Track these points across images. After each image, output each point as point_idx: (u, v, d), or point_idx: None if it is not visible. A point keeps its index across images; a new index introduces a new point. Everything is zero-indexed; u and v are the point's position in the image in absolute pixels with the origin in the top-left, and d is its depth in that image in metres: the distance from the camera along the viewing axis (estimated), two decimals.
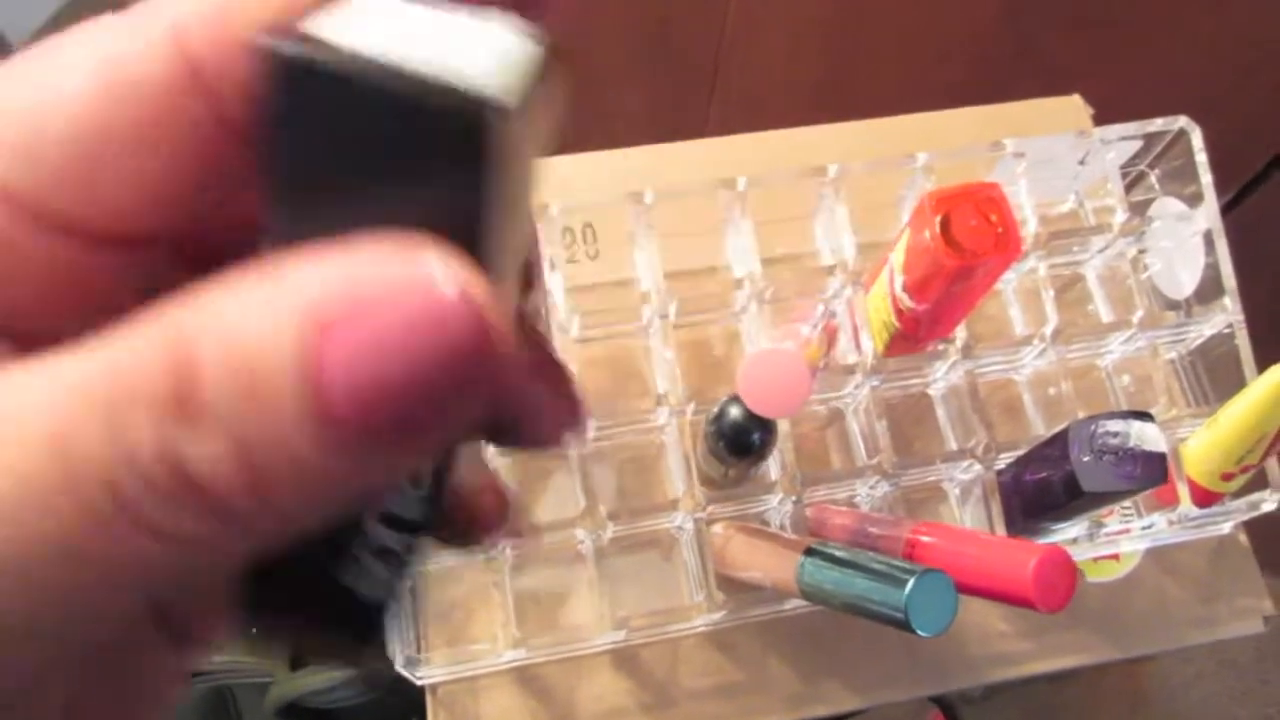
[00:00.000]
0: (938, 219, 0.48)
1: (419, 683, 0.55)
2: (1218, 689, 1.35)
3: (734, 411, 0.49)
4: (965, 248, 0.47)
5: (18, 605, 0.12)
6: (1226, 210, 0.59)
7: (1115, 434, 0.48)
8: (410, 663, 0.52)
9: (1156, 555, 0.62)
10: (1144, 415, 0.48)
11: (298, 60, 0.12)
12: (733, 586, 0.55)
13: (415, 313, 0.11)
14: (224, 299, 0.11)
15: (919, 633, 0.41)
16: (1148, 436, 0.47)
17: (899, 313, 0.53)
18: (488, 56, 0.12)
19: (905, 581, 0.41)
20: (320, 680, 0.91)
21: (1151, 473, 0.47)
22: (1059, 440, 0.50)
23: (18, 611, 0.12)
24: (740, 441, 0.49)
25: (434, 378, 0.11)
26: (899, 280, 0.51)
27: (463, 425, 0.12)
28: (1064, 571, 0.42)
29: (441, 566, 0.58)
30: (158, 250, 0.15)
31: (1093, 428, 0.48)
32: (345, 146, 0.12)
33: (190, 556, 0.12)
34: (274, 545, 0.13)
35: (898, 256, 0.51)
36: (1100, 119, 0.71)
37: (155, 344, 0.11)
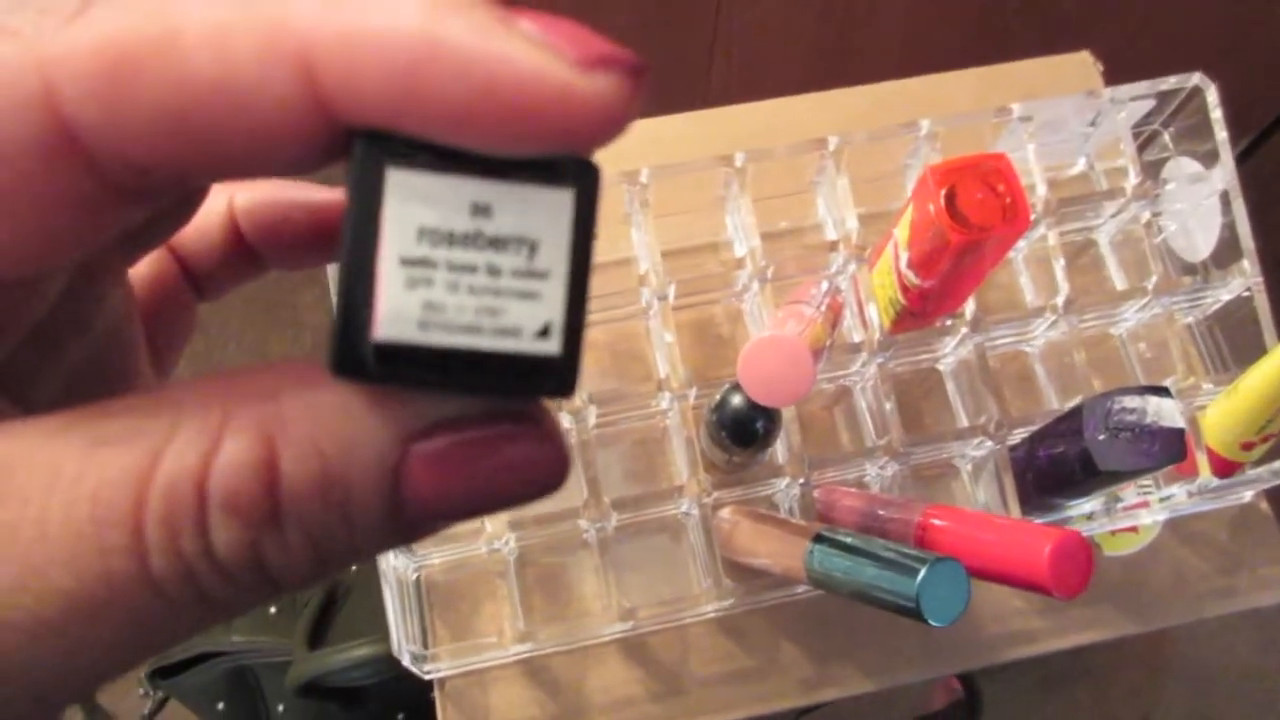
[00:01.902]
0: (942, 193, 0.46)
1: (426, 677, 0.54)
2: (1241, 641, 1.34)
3: (735, 400, 0.48)
4: (972, 222, 0.45)
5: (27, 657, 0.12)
6: (1239, 162, 0.57)
7: (1132, 410, 0.46)
8: (417, 658, 0.52)
9: (1176, 526, 0.60)
10: (1161, 390, 0.47)
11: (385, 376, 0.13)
12: (741, 572, 0.54)
13: (512, 459, 0.13)
14: (307, 405, 0.12)
15: (930, 623, 0.40)
16: (1165, 412, 0.46)
17: (905, 289, 0.51)
18: (542, 307, 0.13)
19: (917, 571, 0.40)
20: (340, 659, 0.91)
21: (1170, 450, 0.46)
22: (1073, 416, 0.49)
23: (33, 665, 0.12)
24: (743, 431, 0.48)
25: (504, 501, 0.13)
26: (904, 256, 0.50)
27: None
28: (1081, 556, 0.41)
29: (446, 559, 0.57)
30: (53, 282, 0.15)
31: (1108, 404, 0.47)
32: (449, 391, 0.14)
33: (226, 614, 0.13)
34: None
35: (902, 232, 0.50)
36: (1109, 69, 0.68)
37: (244, 441, 0.12)
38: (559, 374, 0.13)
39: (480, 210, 0.13)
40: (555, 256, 0.13)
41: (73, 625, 0.12)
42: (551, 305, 0.13)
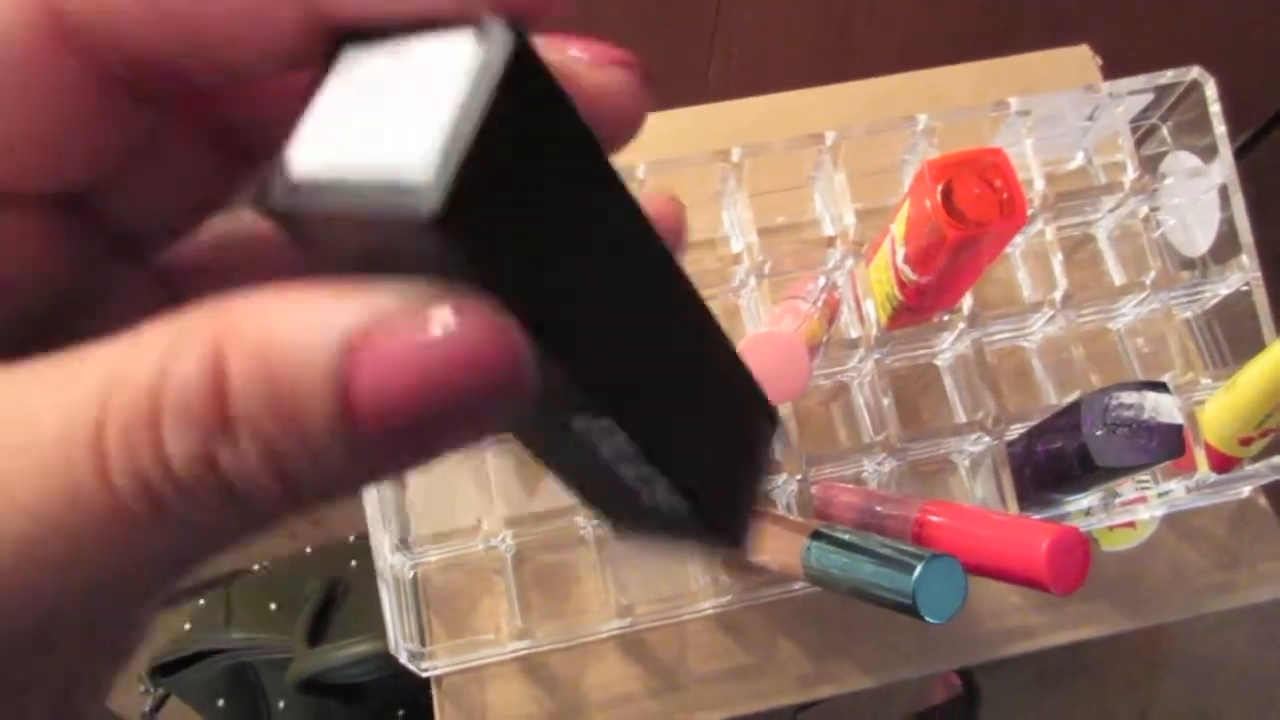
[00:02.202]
0: (939, 188, 0.46)
1: (424, 675, 0.54)
2: (1239, 636, 1.34)
3: None
4: (969, 217, 0.45)
5: (22, 580, 0.12)
6: (1238, 157, 0.57)
7: (1129, 406, 0.46)
8: (414, 656, 0.52)
9: (1174, 521, 0.60)
10: (1159, 385, 0.47)
11: (286, 213, 0.13)
12: (739, 568, 0.54)
13: (443, 343, 0.12)
14: (253, 314, 0.12)
15: (927, 619, 0.40)
16: (1163, 408, 0.46)
17: (901, 285, 0.51)
18: (430, 134, 0.12)
19: (913, 567, 0.40)
20: (339, 656, 0.91)
21: (1168, 446, 0.46)
22: (1071, 412, 0.49)
23: (23, 587, 0.13)
24: None
25: (453, 403, 0.12)
26: (900, 252, 0.50)
27: (478, 436, 0.13)
28: (1077, 552, 0.41)
29: (444, 556, 0.57)
30: (83, 213, 0.16)
31: (1106, 400, 0.46)
32: (351, 251, 0.14)
33: (204, 541, 0.13)
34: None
35: (898, 227, 0.50)
36: (1109, 65, 0.68)
37: (194, 351, 0.12)
38: (437, 219, 0.12)
39: (396, 54, 0.13)
40: (443, 98, 0.13)
41: (50, 548, 0.12)
42: (429, 139, 0.12)
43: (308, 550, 1.14)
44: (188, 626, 1.06)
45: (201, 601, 1.08)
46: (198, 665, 1.04)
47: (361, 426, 0.12)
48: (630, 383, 0.15)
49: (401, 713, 1.06)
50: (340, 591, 1.04)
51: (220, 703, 1.08)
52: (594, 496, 0.19)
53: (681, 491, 0.17)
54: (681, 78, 1.12)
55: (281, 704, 1.07)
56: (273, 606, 1.05)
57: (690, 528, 0.18)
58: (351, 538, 1.13)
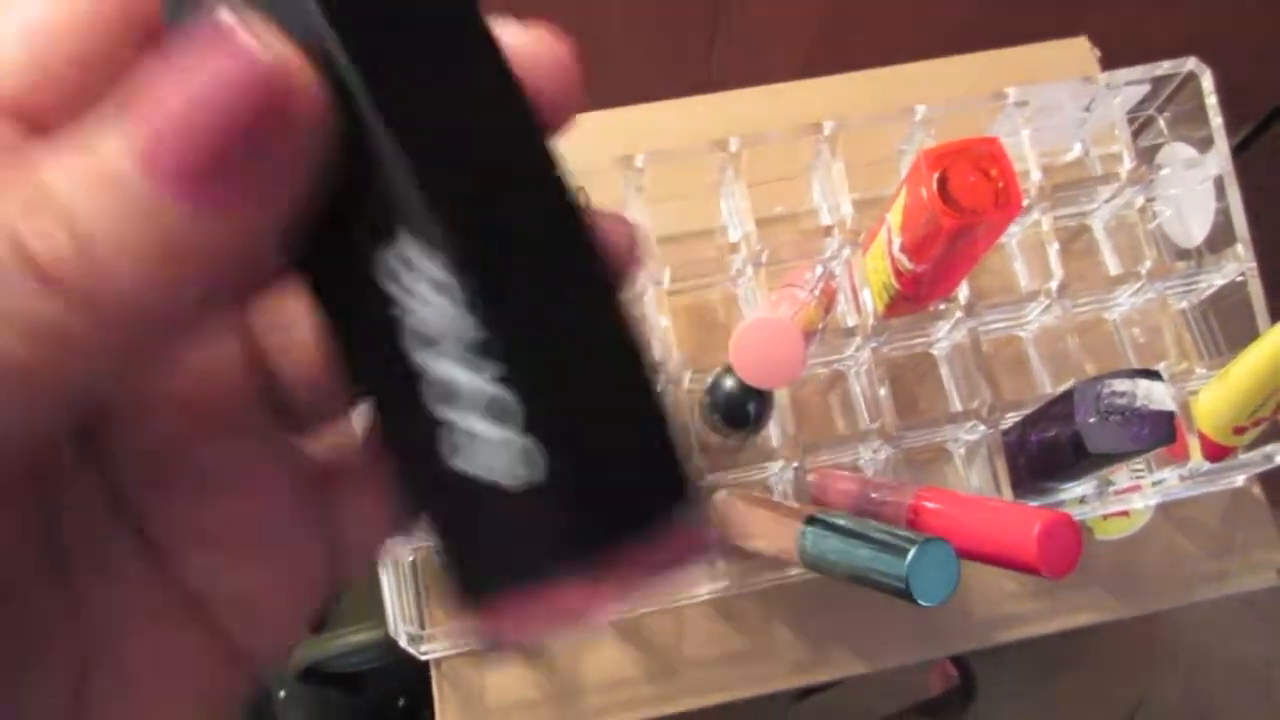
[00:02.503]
0: (935, 176, 0.46)
1: (422, 658, 0.55)
2: (1236, 625, 1.35)
3: (728, 383, 0.48)
4: (964, 206, 0.46)
5: None
6: (1236, 152, 0.57)
7: (1122, 394, 0.46)
8: (413, 639, 0.52)
9: (1168, 510, 0.61)
10: (1152, 373, 0.47)
11: None
12: (735, 555, 0.54)
13: (214, 64, 0.12)
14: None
15: (920, 602, 0.41)
16: (1155, 395, 0.46)
17: (898, 273, 0.51)
18: None
19: (906, 551, 0.41)
20: (340, 644, 0.92)
21: (1159, 432, 0.46)
22: (1064, 400, 0.49)
23: None
24: (735, 413, 0.48)
25: (232, 114, 0.12)
26: (896, 241, 0.50)
27: (291, 182, 0.13)
28: (1069, 536, 0.41)
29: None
30: None
31: (1099, 388, 0.47)
32: None
33: (53, 351, 0.12)
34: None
35: (895, 216, 0.50)
36: (1107, 53, 0.68)
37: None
38: None
39: None
40: None
41: None
42: None
43: None
44: None
45: None
46: None
47: (164, 170, 0.12)
48: (462, 193, 0.13)
49: (402, 702, 1.06)
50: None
51: None
52: (390, 426, 0.15)
53: (535, 413, 0.12)
54: (683, 67, 1.13)
55: (282, 693, 1.07)
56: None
57: (528, 505, 0.12)
58: None
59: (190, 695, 0.17)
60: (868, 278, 0.55)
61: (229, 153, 0.12)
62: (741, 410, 0.48)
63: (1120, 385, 0.47)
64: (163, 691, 0.17)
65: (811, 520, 0.46)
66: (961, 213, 0.46)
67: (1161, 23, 0.92)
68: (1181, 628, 1.35)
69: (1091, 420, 0.47)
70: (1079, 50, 0.69)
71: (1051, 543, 0.41)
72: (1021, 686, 1.29)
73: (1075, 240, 0.64)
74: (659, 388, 0.14)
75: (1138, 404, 0.46)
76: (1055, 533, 0.41)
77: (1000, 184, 0.46)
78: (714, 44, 1.08)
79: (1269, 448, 0.55)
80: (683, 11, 1.03)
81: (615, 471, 0.12)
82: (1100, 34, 0.70)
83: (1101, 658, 1.31)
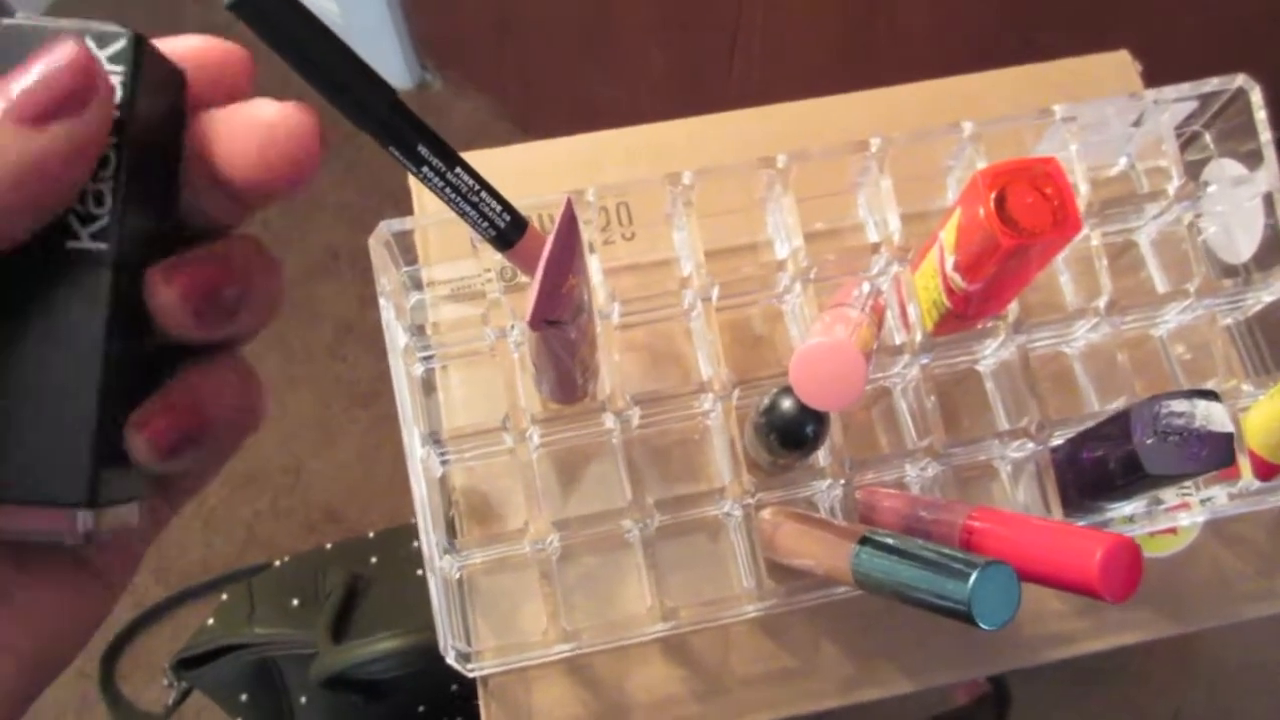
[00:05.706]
0: (992, 196, 0.46)
1: (470, 675, 0.54)
2: (1272, 640, 1.34)
3: (786, 404, 0.48)
4: (1022, 226, 0.45)
5: None
6: None
7: (1180, 414, 0.46)
8: (462, 657, 0.52)
9: (1215, 528, 0.60)
10: (1209, 393, 0.47)
11: None
12: (782, 572, 0.54)
13: (59, 55, 0.21)
14: None
15: (982, 626, 0.41)
16: (1214, 416, 0.46)
17: (950, 292, 0.51)
18: None
19: (968, 574, 0.40)
20: (365, 653, 0.92)
21: (1218, 454, 0.46)
22: (1119, 420, 0.49)
23: None
24: (793, 434, 0.48)
25: (62, 78, 0.21)
26: (950, 260, 0.50)
27: (93, 121, 0.21)
28: (1131, 561, 0.41)
29: (489, 558, 0.57)
30: None
31: (1156, 408, 0.47)
32: None
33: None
34: None
35: (948, 235, 0.50)
36: (1148, 67, 0.68)
37: None
38: None
39: None
40: None
41: None
42: None
43: (327, 546, 1.14)
44: (211, 621, 1.06)
45: (225, 596, 1.09)
46: (221, 660, 1.05)
47: (20, 114, 0.21)
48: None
49: (422, 709, 1.06)
50: (361, 588, 1.05)
51: (243, 697, 1.09)
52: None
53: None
54: (705, 76, 1.13)
55: (303, 699, 1.08)
56: (294, 602, 1.06)
57: None
58: (371, 534, 1.14)
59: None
60: (916, 295, 0.55)
61: (61, 99, 0.21)
62: (800, 432, 0.48)
63: (1178, 406, 0.46)
64: None
65: (865, 540, 0.45)
66: (1019, 233, 0.45)
67: (1196, 35, 0.91)
68: (1216, 640, 1.34)
69: (1149, 441, 0.46)
70: (1120, 63, 0.68)
71: (1114, 566, 0.41)
72: (1056, 698, 1.29)
73: (1121, 256, 0.64)
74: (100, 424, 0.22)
75: (1196, 425, 0.46)
76: (1118, 556, 0.41)
77: (1056, 204, 0.46)
78: (733, 62, 1.08)
79: None
80: (703, 24, 1.03)
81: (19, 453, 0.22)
82: (1131, 45, 0.69)
83: (1137, 669, 1.31)
